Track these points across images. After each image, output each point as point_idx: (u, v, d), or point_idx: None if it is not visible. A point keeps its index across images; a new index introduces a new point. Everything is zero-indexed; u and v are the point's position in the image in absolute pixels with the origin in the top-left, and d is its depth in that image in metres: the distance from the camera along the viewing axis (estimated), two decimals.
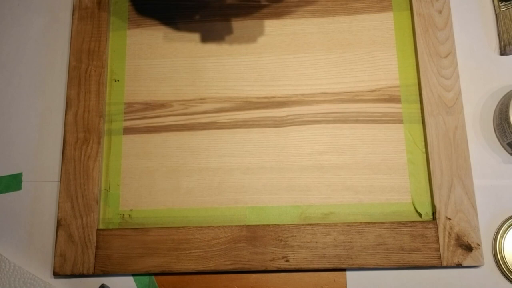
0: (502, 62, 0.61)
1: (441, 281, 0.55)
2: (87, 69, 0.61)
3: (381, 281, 0.55)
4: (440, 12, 0.60)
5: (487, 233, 0.55)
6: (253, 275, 0.56)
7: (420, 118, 0.59)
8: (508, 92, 0.58)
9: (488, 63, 0.61)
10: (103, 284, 0.55)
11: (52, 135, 0.61)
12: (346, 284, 0.55)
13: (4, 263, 0.56)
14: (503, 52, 0.60)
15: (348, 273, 0.55)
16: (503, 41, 0.60)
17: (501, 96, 0.59)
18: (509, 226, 0.55)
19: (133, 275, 0.56)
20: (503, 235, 0.55)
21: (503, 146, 0.58)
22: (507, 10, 0.61)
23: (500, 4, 0.61)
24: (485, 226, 0.56)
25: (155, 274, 0.56)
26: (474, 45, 0.61)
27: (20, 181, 0.60)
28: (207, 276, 0.56)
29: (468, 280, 0.54)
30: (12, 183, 0.60)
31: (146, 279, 0.56)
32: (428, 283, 0.55)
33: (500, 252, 0.55)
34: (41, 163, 0.60)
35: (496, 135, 0.59)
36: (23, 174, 0.60)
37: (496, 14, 0.62)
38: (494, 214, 0.56)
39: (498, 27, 0.61)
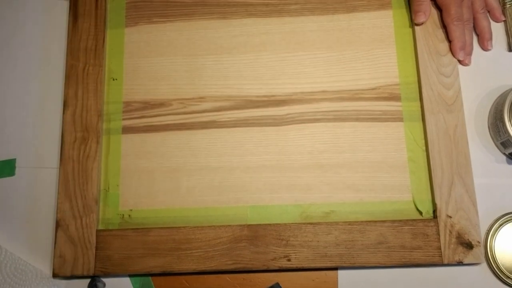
0: (499, 61, 0.61)
1: (442, 279, 0.55)
2: (84, 67, 0.60)
3: (382, 279, 0.55)
4: (440, 10, 0.60)
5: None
6: (255, 275, 0.55)
7: (420, 116, 0.58)
8: (504, 92, 0.58)
9: (486, 61, 0.61)
10: (94, 277, 0.54)
11: (50, 133, 0.60)
12: (337, 279, 0.55)
13: None
14: (511, 49, 0.60)
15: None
16: (511, 37, 0.60)
17: (497, 96, 0.59)
18: (500, 225, 0.55)
19: (129, 275, 0.56)
20: (494, 234, 0.55)
21: (496, 145, 0.58)
22: None
23: (506, 1, 0.61)
24: None
25: (156, 275, 0.56)
26: (474, 44, 0.61)
27: (14, 167, 0.59)
28: (208, 276, 0.56)
29: (468, 278, 0.55)
30: (5, 168, 0.59)
31: (146, 279, 0.56)
32: (429, 281, 0.55)
33: (491, 250, 0.55)
34: (39, 151, 0.60)
35: (490, 134, 0.59)
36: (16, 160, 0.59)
37: (502, 11, 0.61)
38: (486, 213, 0.56)
39: (505, 23, 0.61)
